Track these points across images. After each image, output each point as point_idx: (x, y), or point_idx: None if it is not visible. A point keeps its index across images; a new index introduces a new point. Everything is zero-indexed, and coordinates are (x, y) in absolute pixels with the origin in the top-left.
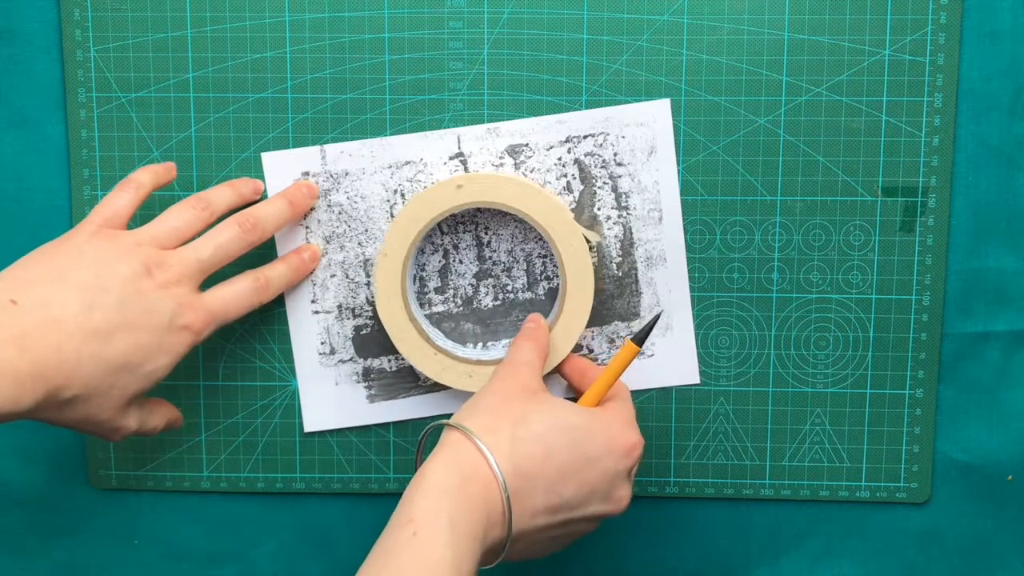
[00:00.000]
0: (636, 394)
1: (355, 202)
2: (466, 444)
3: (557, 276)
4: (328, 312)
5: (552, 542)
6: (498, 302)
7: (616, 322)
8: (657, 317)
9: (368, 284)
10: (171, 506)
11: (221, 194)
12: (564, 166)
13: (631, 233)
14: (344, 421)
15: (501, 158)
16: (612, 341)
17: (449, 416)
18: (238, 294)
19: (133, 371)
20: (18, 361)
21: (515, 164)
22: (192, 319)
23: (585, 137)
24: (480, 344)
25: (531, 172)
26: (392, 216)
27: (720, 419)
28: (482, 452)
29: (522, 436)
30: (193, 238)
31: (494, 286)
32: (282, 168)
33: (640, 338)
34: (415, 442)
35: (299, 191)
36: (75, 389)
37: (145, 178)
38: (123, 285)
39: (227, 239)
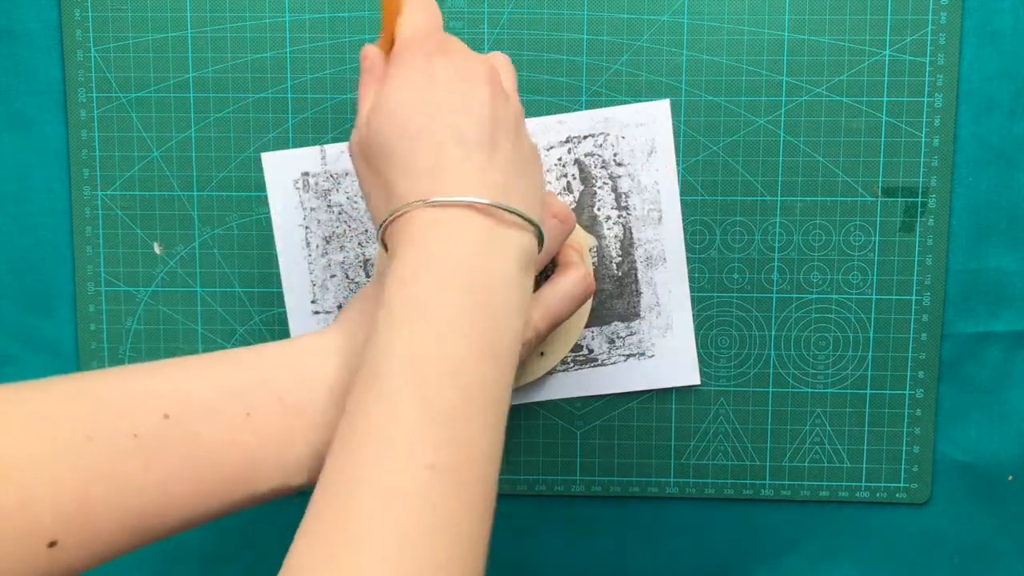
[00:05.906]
0: (636, 395)
1: (355, 202)
2: None
3: None
4: (328, 312)
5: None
6: None
7: (616, 322)
8: None
9: None
10: None
11: None
12: (564, 166)
13: (631, 233)
14: None
15: None
16: (612, 341)
17: None
18: None
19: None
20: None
21: None
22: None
23: (585, 137)
24: None
25: None
26: None
27: (720, 419)
28: None
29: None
30: None
31: None
32: (282, 168)
33: None
34: None
35: None
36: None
37: None
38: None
39: None
